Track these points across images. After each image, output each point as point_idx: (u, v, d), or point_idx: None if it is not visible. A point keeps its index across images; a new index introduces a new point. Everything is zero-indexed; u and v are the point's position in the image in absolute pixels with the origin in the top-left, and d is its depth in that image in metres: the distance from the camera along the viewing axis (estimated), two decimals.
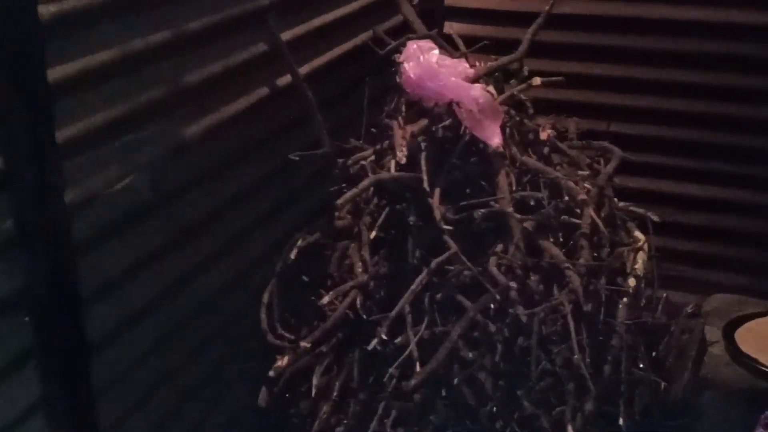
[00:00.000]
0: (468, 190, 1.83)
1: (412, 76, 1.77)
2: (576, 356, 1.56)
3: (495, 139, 1.79)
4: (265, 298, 1.79)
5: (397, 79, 1.85)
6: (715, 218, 2.51)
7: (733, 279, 2.54)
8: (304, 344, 1.62)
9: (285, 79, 1.82)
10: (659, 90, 2.45)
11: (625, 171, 2.37)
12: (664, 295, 2.42)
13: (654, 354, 2.15)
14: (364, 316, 1.73)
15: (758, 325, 2.22)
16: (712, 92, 2.42)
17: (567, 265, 1.70)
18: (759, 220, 2.45)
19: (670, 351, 2.28)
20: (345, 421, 1.71)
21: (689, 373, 2.19)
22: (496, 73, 2.04)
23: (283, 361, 1.61)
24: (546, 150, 2.02)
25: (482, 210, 1.70)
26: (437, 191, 1.73)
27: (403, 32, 2.15)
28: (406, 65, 1.79)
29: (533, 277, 1.72)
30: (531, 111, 2.16)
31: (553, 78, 2.08)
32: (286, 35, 1.82)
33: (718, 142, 2.45)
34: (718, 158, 2.45)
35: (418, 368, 1.58)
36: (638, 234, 2.02)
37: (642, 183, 2.48)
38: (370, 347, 1.57)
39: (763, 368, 2.06)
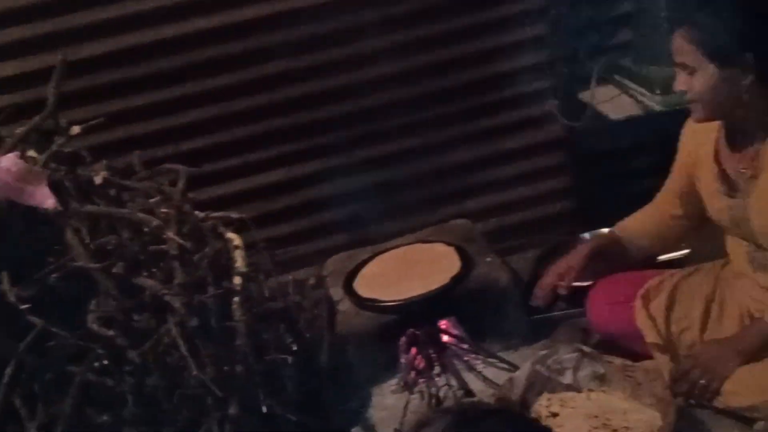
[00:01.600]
0: (44, 260, 1.76)
1: None
2: (194, 372, 1.59)
3: (48, 201, 1.74)
4: None
5: None
6: (301, 194, 2.72)
7: (340, 239, 2.77)
8: None
9: None
10: (202, 100, 2.57)
11: (204, 183, 2.48)
12: (290, 278, 2.57)
13: (298, 334, 2.28)
14: None
15: (368, 269, 2.45)
16: (250, 89, 2.59)
17: (164, 291, 1.72)
18: (335, 183, 2.70)
19: (308, 325, 2.43)
20: None
21: (327, 336, 2.35)
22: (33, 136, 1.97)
23: None
24: (113, 191, 2.00)
25: (55, 275, 1.65)
26: (4, 275, 1.63)
27: None
28: None
29: (137, 317, 1.71)
30: (89, 159, 2.13)
31: (93, 122, 2.06)
32: None
33: (276, 128, 2.64)
34: (280, 142, 2.66)
35: None
36: (231, 235, 2.10)
37: (226, 188, 2.60)
38: None
39: (382, 303, 2.28)
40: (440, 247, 2.42)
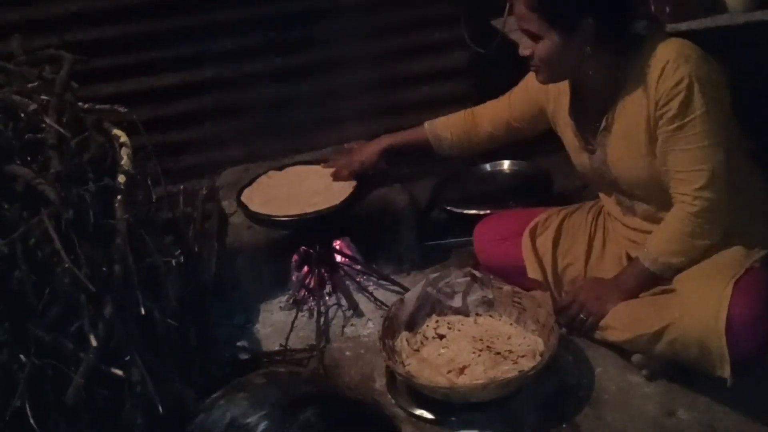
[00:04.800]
0: None
1: None
2: (67, 265, 1.48)
3: None
4: None
5: None
6: (194, 101, 2.58)
7: (235, 151, 2.66)
8: None
9: None
10: None
11: (93, 79, 2.31)
12: (182, 187, 2.45)
13: (186, 245, 2.18)
14: None
15: (259, 185, 2.36)
16: None
17: (38, 180, 1.59)
18: (234, 93, 2.57)
19: (198, 237, 2.34)
20: None
21: (216, 248, 2.27)
22: None
23: None
24: None
25: None
26: None
27: None
28: None
29: (7, 206, 1.58)
30: None
31: None
32: None
33: (170, 28, 2.48)
34: (179, 42, 2.49)
35: None
36: (117, 132, 1.96)
37: (116, 87, 2.44)
38: None
39: (275, 218, 2.21)
40: None
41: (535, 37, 1.75)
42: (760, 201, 1.87)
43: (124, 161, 1.87)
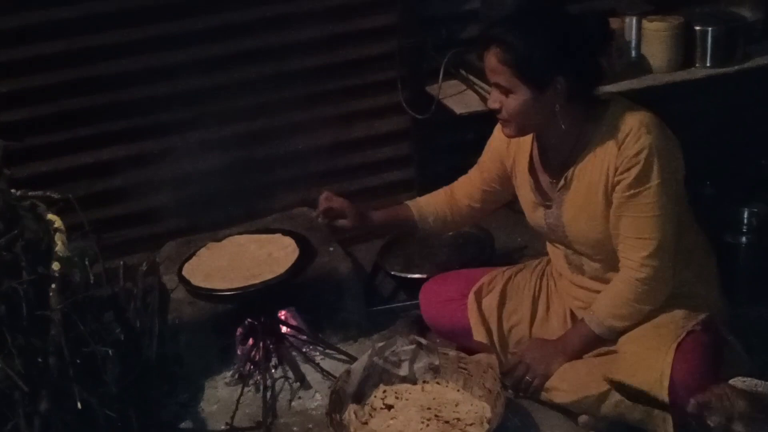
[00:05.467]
0: None
1: None
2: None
3: None
4: None
5: None
6: (136, 174, 2.55)
7: (176, 223, 2.63)
8: None
9: None
10: (24, 67, 2.37)
11: (26, 158, 2.28)
12: (121, 262, 2.41)
13: (126, 323, 2.14)
14: None
15: (205, 257, 2.34)
16: (79, 58, 2.42)
17: None
18: (173, 164, 2.55)
19: (138, 313, 2.30)
20: None
21: (157, 325, 2.23)
22: None
23: None
24: None
25: None
26: None
27: None
28: None
29: None
30: None
31: None
32: None
33: (106, 103, 2.47)
34: (113, 117, 2.48)
35: None
36: (52, 217, 1.93)
37: (51, 165, 2.41)
38: None
39: (217, 293, 2.18)
40: (281, 237, 2.35)
41: (505, 91, 1.77)
42: (703, 265, 1.93)
43: (59, 247, 1.84)
